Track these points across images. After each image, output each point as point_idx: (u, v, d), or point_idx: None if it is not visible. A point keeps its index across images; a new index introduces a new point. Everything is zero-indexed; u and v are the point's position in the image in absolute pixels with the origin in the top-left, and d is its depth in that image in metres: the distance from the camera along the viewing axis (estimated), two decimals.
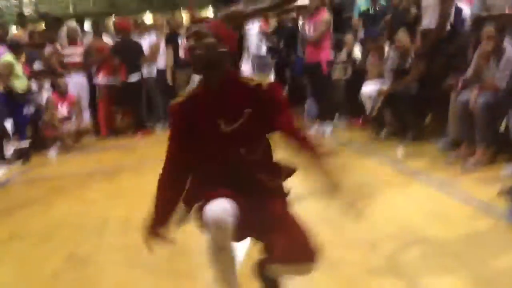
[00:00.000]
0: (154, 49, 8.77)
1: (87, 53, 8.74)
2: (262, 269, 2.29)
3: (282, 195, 2.30)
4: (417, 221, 3.56)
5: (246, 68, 8.26)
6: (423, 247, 3.11)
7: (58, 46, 8.71)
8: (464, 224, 3.41)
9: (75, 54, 8.64)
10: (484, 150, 4.67)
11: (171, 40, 8.66)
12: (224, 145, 2.16)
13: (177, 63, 8.57)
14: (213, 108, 2.15)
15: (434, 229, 3.37)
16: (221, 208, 2.01)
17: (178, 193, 2.23)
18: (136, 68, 8.55)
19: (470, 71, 5.23)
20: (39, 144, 7.86)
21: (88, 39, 9.14)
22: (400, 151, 5.74)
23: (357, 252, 3.12)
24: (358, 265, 2.96)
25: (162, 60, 8.79)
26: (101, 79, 8.61)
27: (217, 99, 2.15)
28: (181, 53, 8.44)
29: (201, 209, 2.09)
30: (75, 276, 3.19)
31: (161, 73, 8.83)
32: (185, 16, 9.73)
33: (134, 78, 8.49)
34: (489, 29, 4.76)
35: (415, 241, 3.21)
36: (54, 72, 8.42)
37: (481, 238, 3.15)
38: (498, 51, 4.74)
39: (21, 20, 10.32)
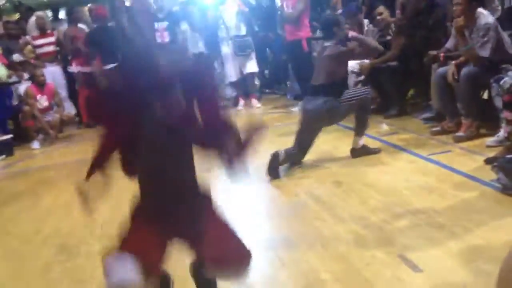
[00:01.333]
0: None
1: (61, 42, 8.61)
2: (196, 271, 2.14)
3: (209, 198, 2.14)
4: (404, 193, 3.60)
5: (226, 49, 8.20)
6: (411, 219, 3.15)
7: (29, 38, 8.58)
8: (450, 195, 3.45)
9: (46, 44, 8.51)
10: (470, 122, 4.70)
11: None
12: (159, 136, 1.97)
13: None
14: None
15: (421, 201, 3.41)
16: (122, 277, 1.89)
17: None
18: (113, 55, 8.43)
19: (450, 43, 5.25)
20: (22, 137, 7.79)
21: (64, 27, 8.98)
22: (385, 126, 5.77)
23: (347, 227, 3.15)
24: (349, 239, 2.99)
25: None
26: (74, 68, 8.47)
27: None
28: (158, 38, 8.29)
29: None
30: (67, 267, 3.19)
31: None
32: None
33: (110, 65, 8.39)
34: (456, 4, 4.73)
35: (403, 213, 3.25)
36: (30, 64, 8.31)
37: (468, 209, 3.18)
38: (470, 23, 4.72)
39: None
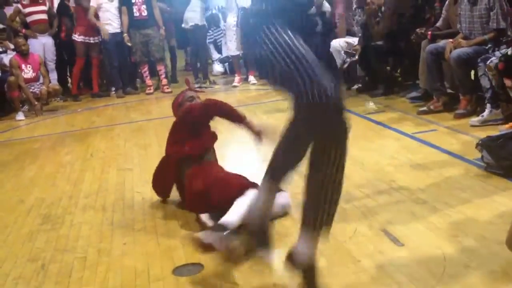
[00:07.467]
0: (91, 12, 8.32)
1: (51, 12, 8.46)
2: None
3: None
4: (388, 170, 3.63)
5: (231, 21, 8.00)
6: (395, 195, 3.18)
7: (19, 6, 8.39)
8: (434, 172, 3.48)
9: (37, 12, 8.31)
10: (468, 99, 4.72)
11: None
12: None
13: (132, 23, 8.08)
14: None
15: (405, 178, 3.43)
16: None
17: None
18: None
19: (440, 23, 5.25)
20: (7, 108, 7.70)
21: None
22: (371, 104, 5.78)
23: None
24: None
25: (116, 23, 8.24)
26: (77, 36, 8.29)
27: None
28: (136, 12, 8.09)
29: None
30: (51, 236, 3.18)
31: (116, 35, 8.27)
32: None
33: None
34: None
35: (387, 189, 3.28)
36: (16, 33, 8.13)
37: (451, 186, 3.21)
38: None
39: None
